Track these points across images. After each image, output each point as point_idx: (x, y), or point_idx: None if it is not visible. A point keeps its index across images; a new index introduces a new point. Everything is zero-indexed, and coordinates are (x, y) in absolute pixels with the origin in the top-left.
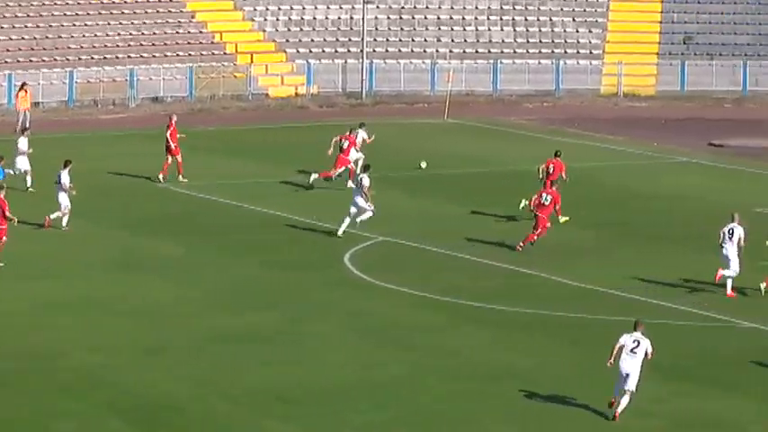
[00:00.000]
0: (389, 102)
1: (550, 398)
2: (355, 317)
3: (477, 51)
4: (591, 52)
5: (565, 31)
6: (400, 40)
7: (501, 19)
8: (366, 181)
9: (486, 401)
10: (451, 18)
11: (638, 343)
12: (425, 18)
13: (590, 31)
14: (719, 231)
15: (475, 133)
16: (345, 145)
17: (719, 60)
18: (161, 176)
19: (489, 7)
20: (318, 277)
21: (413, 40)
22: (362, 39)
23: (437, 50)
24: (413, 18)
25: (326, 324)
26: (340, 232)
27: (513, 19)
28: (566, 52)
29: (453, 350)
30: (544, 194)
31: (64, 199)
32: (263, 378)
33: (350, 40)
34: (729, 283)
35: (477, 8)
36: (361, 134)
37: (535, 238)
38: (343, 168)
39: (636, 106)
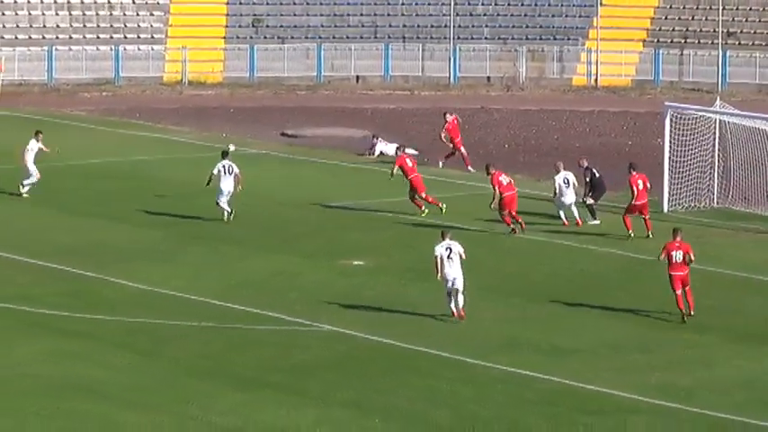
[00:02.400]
0: None
1: (127, 410)
2: None
3: (30, 37)
4: (153, 37)
5: (124, 14)
6: None
7: (55, 2)
8: (234, 168)
9: (56, 421)
10: (2, 1)
11: (450, 249)
12: None
13: (151, 14)
14: (555, 183)
15: (28, 126)
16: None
17: (291, 44)
18: None
19: None
20: None
21: None
22: None
23: None
24: None
25: None
26: (225, 218)
27: (69, 2)
28: (125, 37)
29: (11, 362)
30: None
31: None
32: None
33: None
34: (576, 213)
35: None
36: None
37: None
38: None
39: (202, 95)
